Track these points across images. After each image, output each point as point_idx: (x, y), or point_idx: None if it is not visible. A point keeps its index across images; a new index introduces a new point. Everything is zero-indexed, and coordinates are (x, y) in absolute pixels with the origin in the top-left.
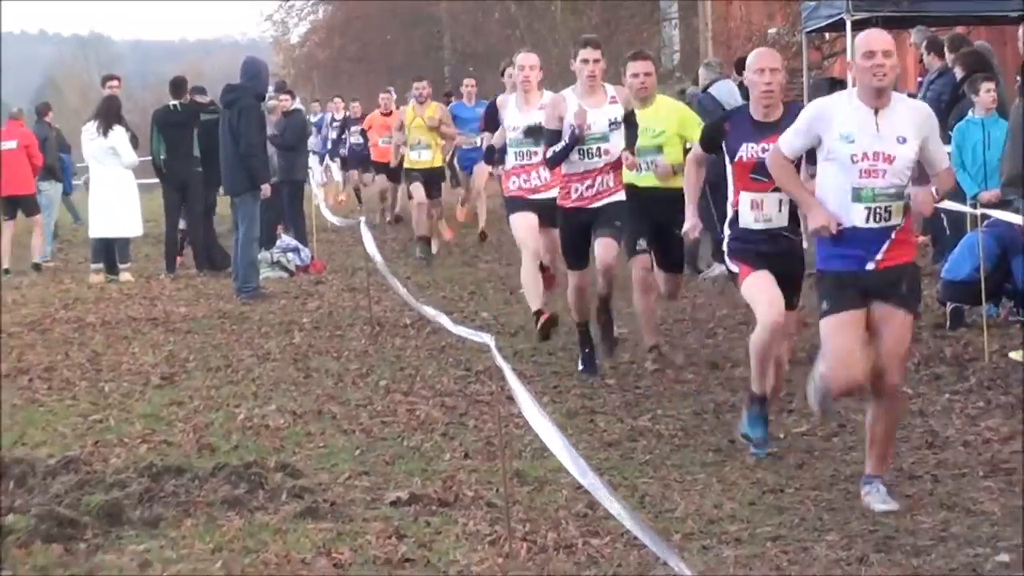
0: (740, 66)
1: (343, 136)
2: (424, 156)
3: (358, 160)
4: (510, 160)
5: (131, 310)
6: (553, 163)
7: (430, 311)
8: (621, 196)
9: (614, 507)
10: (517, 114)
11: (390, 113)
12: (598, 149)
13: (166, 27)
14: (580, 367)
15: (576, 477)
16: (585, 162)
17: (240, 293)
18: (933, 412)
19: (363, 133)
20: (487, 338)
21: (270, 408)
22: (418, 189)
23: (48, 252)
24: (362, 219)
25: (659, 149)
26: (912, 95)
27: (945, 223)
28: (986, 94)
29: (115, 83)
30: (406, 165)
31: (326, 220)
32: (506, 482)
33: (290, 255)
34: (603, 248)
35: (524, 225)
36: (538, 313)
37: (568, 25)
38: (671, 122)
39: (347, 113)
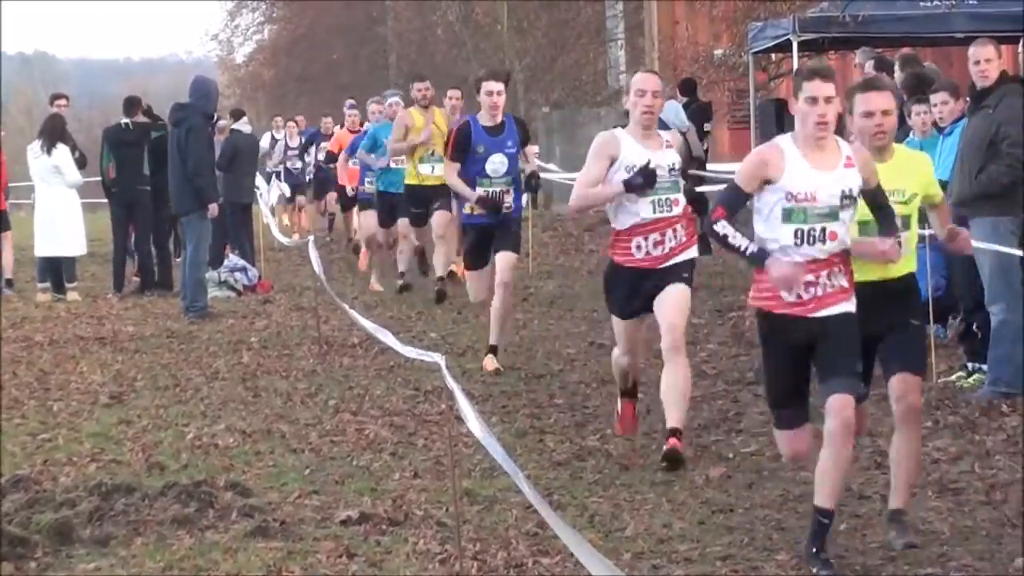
0: (684, 87)
1: (305, 157)
2: (439, 171)
3: (325, 184)
4: (637, 212)
5: (79, 329)
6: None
7: (380, 331)
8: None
9: (561, 531)
10: (641, 150)
11: (358, 131)
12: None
13: (111, 46)
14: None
15: (527, 496)
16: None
17: (188, 312)
18: (881, 432)
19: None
20: (438, 357)
21: (219, 427)
22: (407, 219)
23: None
24: (310, 238)
25: (905, 223)
26: None
27: None
28: (917, 117)
29: (63, 102)
30: (411, 182)
31: (273, 239)
32: (456, 501)
33: (237, 275)
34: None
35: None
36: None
37: (514, 45)
38: (916, 180)
39: (318, 128)
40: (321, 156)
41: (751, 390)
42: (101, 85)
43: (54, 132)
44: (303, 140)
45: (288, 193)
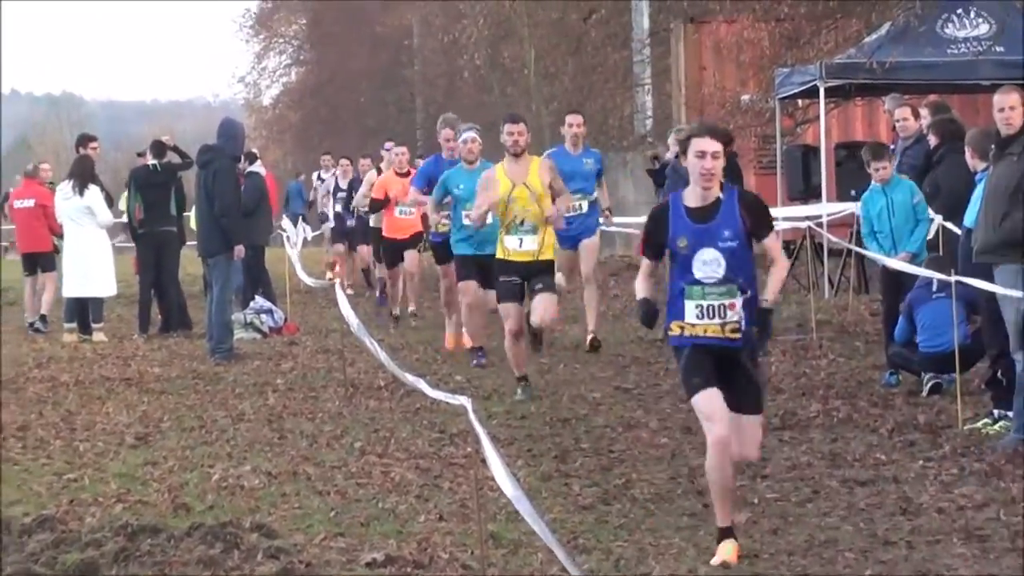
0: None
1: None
2: (528, 244)
3: (364, 232)
4: None
5: (105, 370)
6: None
7: (407, 374)
8: None
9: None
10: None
11: (408, 173)
12: None
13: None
14: None
15: (546, 542)
16: None
17: (214, 354)
18: (907, 479)
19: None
20: (464, 400)
21: (245, 468)
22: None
23: None
24: (336, 280)
25: None
26: None
27: None
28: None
29: (95, 144)
30: (499, 256)
31: (299, 281)
32: (482, 544)
33: (263, 316)
34: None
35: None
36: None
37: (542, 90)
38: None
39: (356, 174)
40: (365, 206)
41: (776, 435)
42: (128, 127)
43: (85, 173)
44: (351, 181)
45: (310, 236)
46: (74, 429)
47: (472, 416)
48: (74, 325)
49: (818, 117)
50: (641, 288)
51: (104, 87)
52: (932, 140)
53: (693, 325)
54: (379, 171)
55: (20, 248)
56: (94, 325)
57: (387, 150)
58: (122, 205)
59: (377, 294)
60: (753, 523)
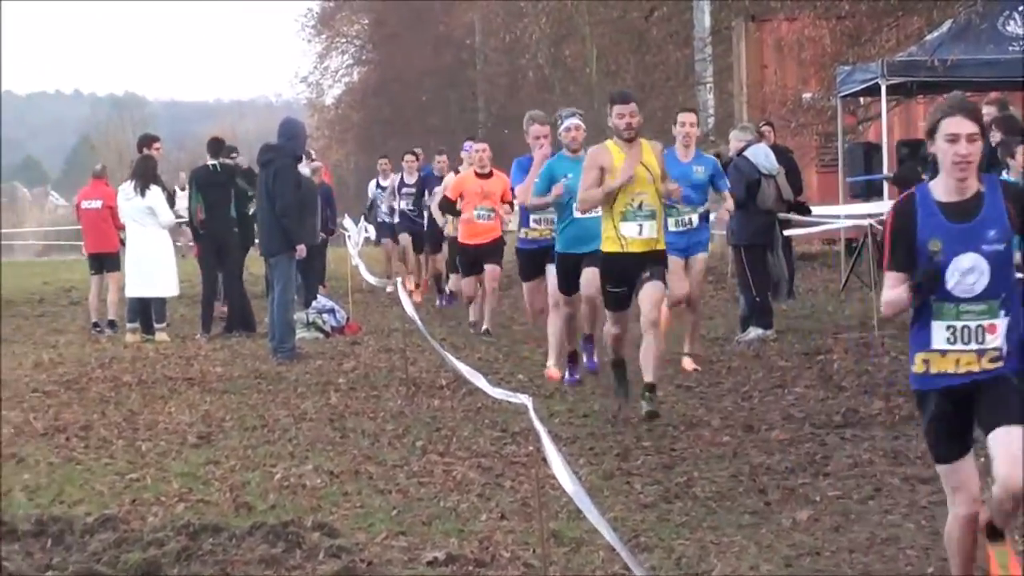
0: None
1: (420, 202)
2: (648, 231)
3: (436, 238)
4: None
5: (167, 370)
6: None
7: (469, 373)
8: None
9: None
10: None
11: (490, 174)
12: None
13: (200, 88)
14: None
15: (608, 540)
16: None
17: (276, 353)
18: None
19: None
20: (524, 399)
21: (307, 468)
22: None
23: None
24: (398, 279)
25: None
26: None
27: None
28: (1022, 156)
29: (158, 145)
30: (610, 249)
31: (361, 280)
32: (543, 543)
33: (326, 316)
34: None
35: None
36: None
37: (603, 88)
38: None
39: (428, 170)
40: (434, 204)
41: (838, 433)
42: (190, 127)
43: (147, 173)
44: (421, 176)
45: (373, 236)
46: (136, 429)
47: (533, 414)
48: (137, 325)
49: (880, 115)
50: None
51: (167, 87)
52: (995, 136)
53: (943, 355)
54: (457, 172)
55: (87, 248)
56: (157, 325)
57: (467, 150)
58: (181, 204)
59: (444, 302)
60: (815, 520)
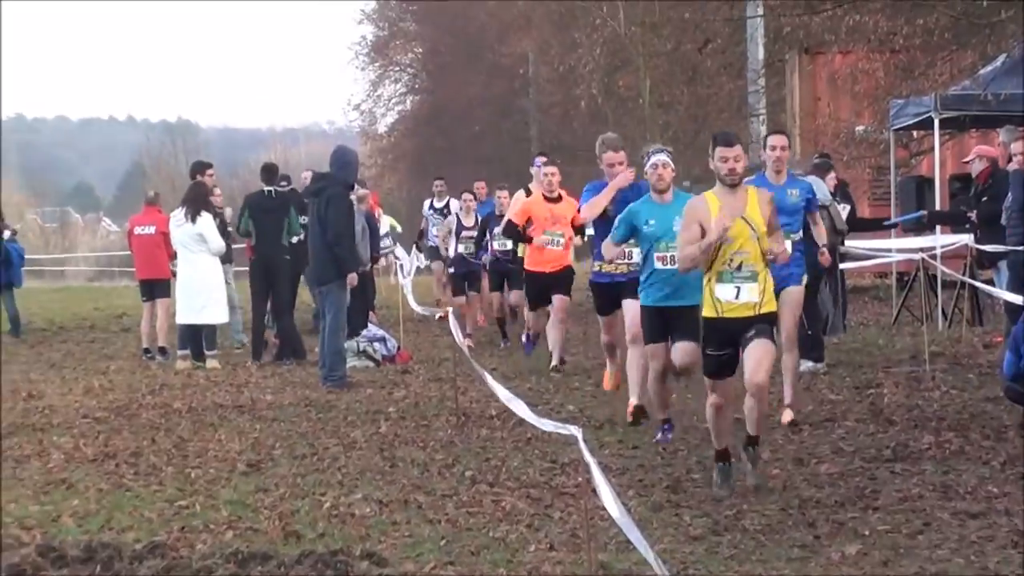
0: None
1: (484, 239)
2: (746, 295)
3: (502, 273)
4: None
5: (217, 397)
6: None
7: (518, 403)
8: None
9: None
10: None
11: (559, 198)
12: None
13: (254, 115)
14: None
15: (657, 572)
16: None
17: (326, 382)
18: (1019, 512)
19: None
20: (575, 430)
21: (356, 496)
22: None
23: None
24: (450, 309)
25: None
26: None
27: None
28: None
29: (210, 171)
30: (708, 314)
31: (412, 310)
32: (592, 574)
33: (376, 344)
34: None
35: None
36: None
37: (656, 119)
38: None
39: (490, 207)
40: (497, 244)
41: (888, 467)
42: (243, 154)
43: (197, 200)
44: (479, 218)
45: (423, 263)
46: (186, 456)
47: (583, 445)
48: (187, 352)
49: (932, 148)
50: None
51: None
52: None
53: None
54: (528, 192)
55: (138, 274)
56: (207, 352)
57: (537, 166)
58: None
59: (524, 341)
60: (864, 555)
